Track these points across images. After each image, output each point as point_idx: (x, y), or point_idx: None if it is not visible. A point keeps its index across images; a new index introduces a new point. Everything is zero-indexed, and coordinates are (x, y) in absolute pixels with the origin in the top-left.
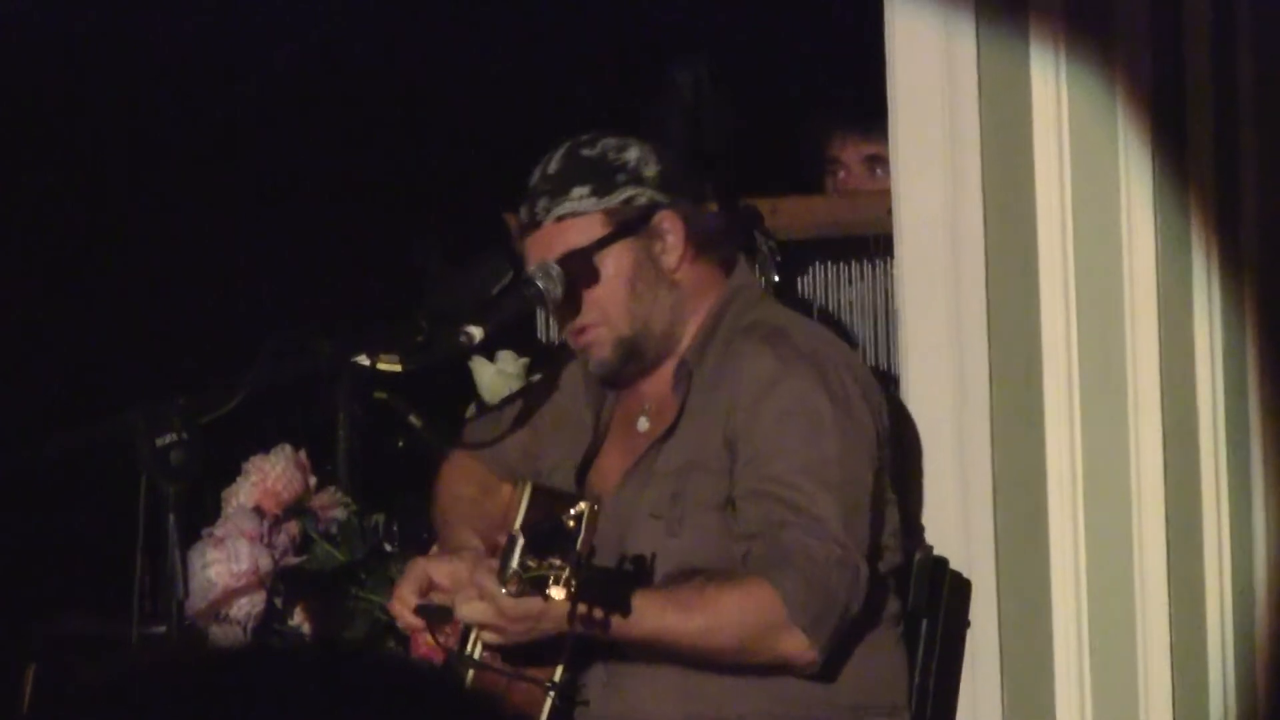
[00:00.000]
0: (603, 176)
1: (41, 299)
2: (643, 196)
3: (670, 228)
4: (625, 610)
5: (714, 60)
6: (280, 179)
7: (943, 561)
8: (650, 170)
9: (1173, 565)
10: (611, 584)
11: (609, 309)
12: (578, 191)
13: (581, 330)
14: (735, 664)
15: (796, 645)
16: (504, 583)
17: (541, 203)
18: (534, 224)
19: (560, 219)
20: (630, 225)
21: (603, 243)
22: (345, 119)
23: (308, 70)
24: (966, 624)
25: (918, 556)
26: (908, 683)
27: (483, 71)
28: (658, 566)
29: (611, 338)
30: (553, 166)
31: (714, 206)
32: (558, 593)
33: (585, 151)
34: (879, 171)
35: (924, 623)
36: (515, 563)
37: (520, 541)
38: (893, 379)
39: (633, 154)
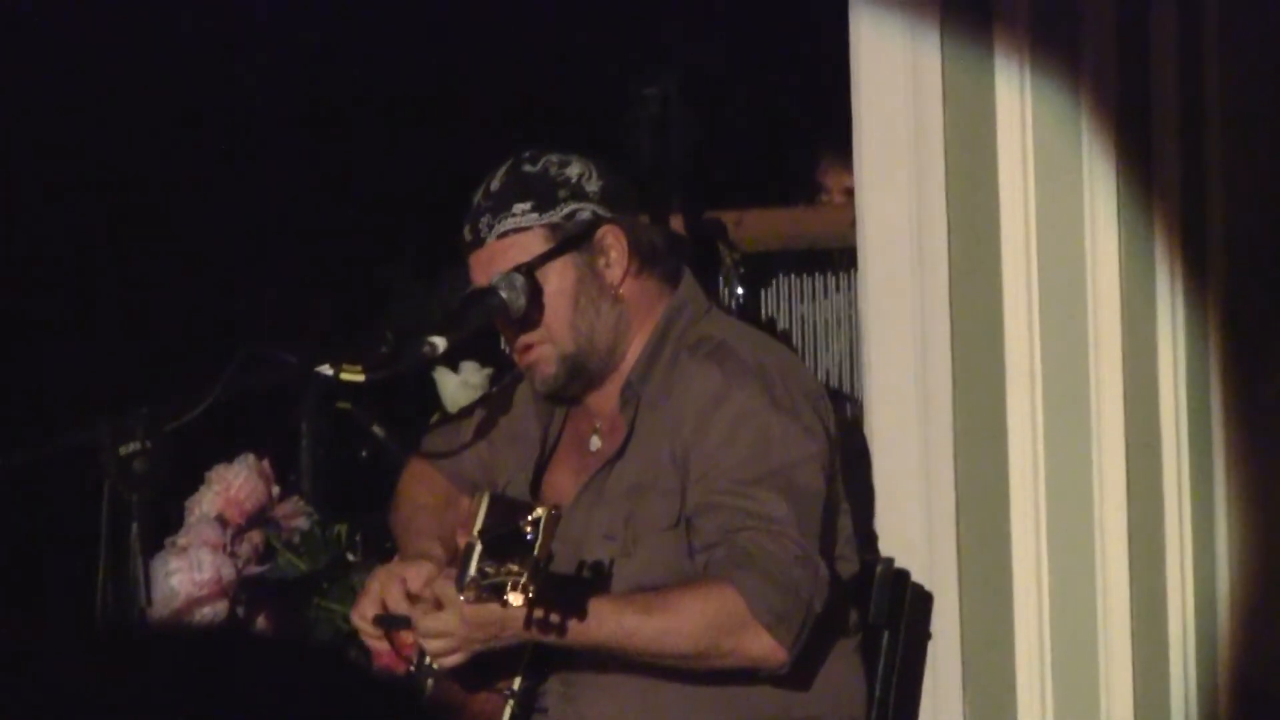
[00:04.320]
0: (545, 192)
1: (7, 311)
2: (585, 211)
3: (613, 242)
4: (583, 615)
5: (683, 76)
6: (249, 196)
7: (904, 573)
8: (593, 185)
9: (1135, 578)
10: (569, 590)
11: (553, 325)
12: (519, 207)
13: (527, 348)
14: (703, 669)
15: (763, 645)
16: (462, 590)
17: (484, 220)
18: (477, 242)
19: (503, 235)
20: (573, 240)
21: (545, 257)
22: (315, 136)
23: (278, 91)
24: (928, 636)
25: (879, 568)
26: (865, 694)
27: (454, 88)
28: (613, 586)
29: (555, 354)
30: (495, 184)
31: (679, 221)
32: (516, 598)
33: (527, 168)
34: None
35: (885, 634)
36: (473, 569)
37: (478, 548)
38: (856, 391)
39: (575, 169)
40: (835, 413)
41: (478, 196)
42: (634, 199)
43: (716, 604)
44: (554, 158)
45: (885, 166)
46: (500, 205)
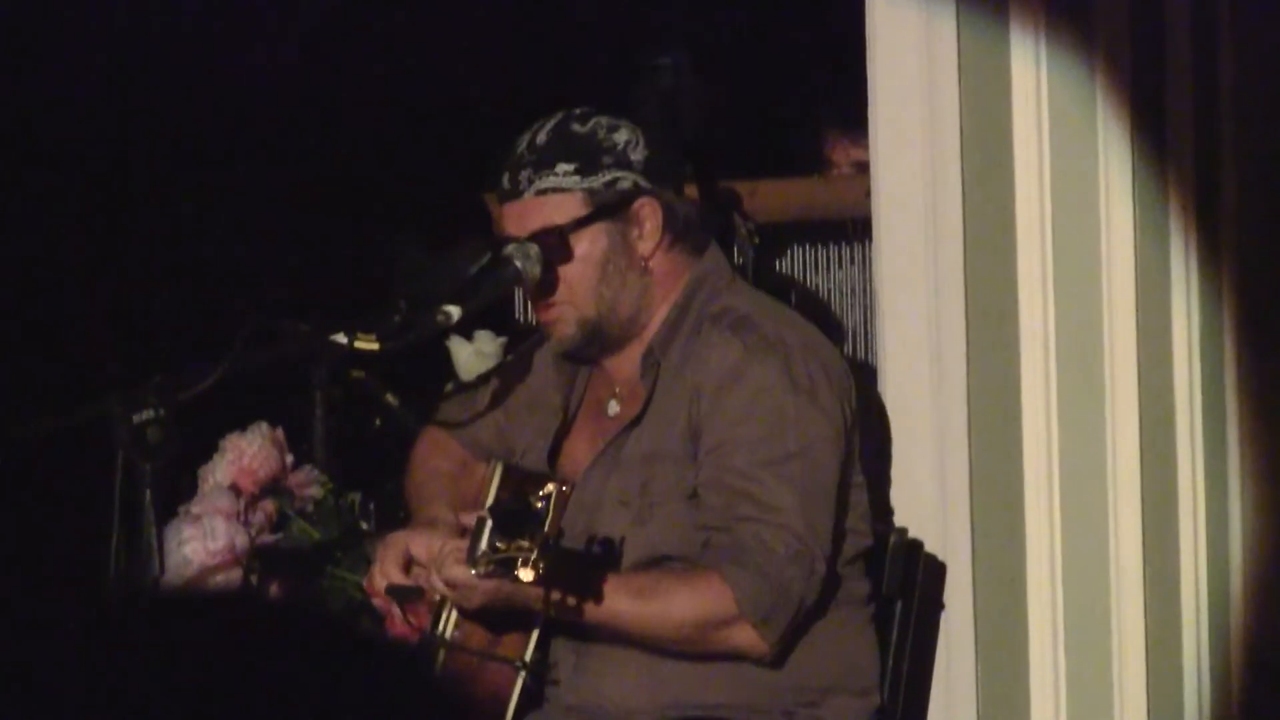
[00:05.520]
0: (589, 155)
1: (22, 285)
2: (626, 181)
3: (649, 215)
4: (592, 593)
5: (695, 46)
6: (261, 167)
7: (917, 544)
8: (637, 155)
9: (1148, 549)
10: (579, 567)
11: (577, 289)
12: (562, 168)
13: (548, 306)
14: (688, 653)
15: (747, 639)
16: (473, 564)
17: (525, 173)
18: (515, 193)
19: (542, 192)
20: (610, 208)
21: (580, 223)
22: (325, 108)
23: (287, 60)
24: (941, 606)
25: (892, 539)
26: (878, 664)
27: (464, 59)
28: (626, 554)
29: (575, 317)
30: (541, 137)
31: (693, 192)
32: (526, 574)
33: (576, 127)
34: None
35: (898, 605)
36: (484, 544)
37: (489, 523)
38: (870, 362)
39: (622, 136)
40: (854, 386)
41: (521, 145)
42: (676, 171)
43: (706, 597)
44: (604, 121)
45: (900, 138)
46: (543, 161)
